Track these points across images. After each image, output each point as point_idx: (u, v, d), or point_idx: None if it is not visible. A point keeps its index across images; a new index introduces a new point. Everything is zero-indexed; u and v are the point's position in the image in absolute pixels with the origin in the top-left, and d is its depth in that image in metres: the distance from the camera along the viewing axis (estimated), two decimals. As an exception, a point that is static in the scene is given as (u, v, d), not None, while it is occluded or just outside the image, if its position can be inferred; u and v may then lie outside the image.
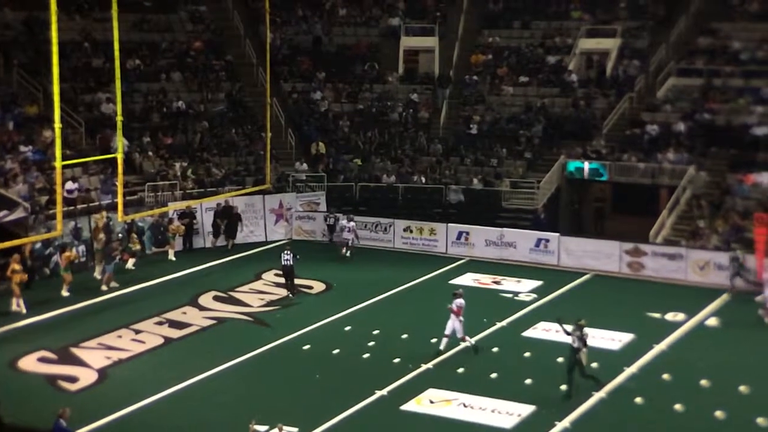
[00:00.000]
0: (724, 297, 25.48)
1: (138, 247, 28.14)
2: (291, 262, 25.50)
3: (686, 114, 32.85)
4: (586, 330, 18.63)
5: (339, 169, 33.87)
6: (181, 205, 29.70)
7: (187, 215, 29.88)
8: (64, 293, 25.06)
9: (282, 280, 26.49)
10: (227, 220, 30.41)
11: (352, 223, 29.89)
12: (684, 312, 23.98)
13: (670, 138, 31.96)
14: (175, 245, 29.35)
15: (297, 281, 26.32)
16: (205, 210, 30.35)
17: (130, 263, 27.69)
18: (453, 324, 20.69)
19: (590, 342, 21.65)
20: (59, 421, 15.68)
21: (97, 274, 26.63)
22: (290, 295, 25.59)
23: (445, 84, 36.97)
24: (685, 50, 35.41)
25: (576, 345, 18.30)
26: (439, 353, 20.50)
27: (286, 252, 25.76)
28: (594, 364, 20.32)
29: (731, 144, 31.22)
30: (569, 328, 18.72)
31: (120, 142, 23.78)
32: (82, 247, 27.38)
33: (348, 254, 29.60)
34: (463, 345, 20.92)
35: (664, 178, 31.03)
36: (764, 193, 28.81)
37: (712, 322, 23.58)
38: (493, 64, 37.59)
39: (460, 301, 20.69)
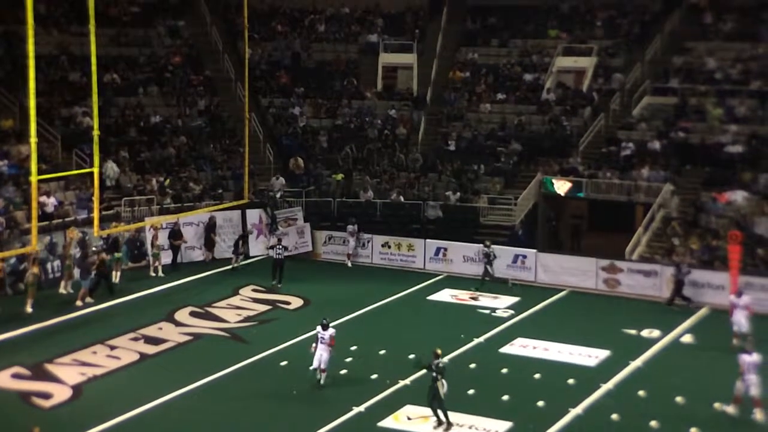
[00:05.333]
0: (699, 314, 25.73)
1: (118, 255, 27.76)
2: (282, 256, 27.40)
3: (661, 132, 33.16)
4: (443, 360, 18.07)
5: (317, 176, 33.80)
6: (158, 220, 29.43)
7: (177, 235, 29.55)
8: (29, 309, 24.67)
9: (259, 295, 26.60)
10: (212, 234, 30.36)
11: (351, 227, 30.44)
12: (659, 329, 24.14)
13: (646, 156, 32.25)
14: (160, 261, 28.87)
15: (275, 297, 26.60)
16: (182, 225, 30.15)
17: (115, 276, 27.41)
18: (323, 354, 19.75)
19: (567, 358, 21.93)
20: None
21: (62, 290, 26.29)
22: (277, 285, 27.23)
23: (420, 105, 37.12)
24: (660, 69, 35.79)
25: (434, 374, 17.82)
26: (320, 387, 19.78)
27: (278, 247, 27.62)
28: (570, 381, 20.45)
29: (705, 162, 31.54)
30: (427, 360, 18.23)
31: (96, 156, 23.66)
32: (57, 262, 27.13)
33: (349, 264, 30.52)
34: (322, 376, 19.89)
35: (639, 195, 31.26)
36: (738, 211, 29.08)
37: (687, 338, 23.73)
38: (471, 81, 37.81)
39: (333, 331, 19.97)
